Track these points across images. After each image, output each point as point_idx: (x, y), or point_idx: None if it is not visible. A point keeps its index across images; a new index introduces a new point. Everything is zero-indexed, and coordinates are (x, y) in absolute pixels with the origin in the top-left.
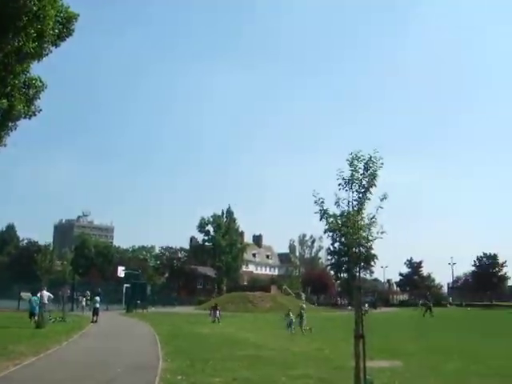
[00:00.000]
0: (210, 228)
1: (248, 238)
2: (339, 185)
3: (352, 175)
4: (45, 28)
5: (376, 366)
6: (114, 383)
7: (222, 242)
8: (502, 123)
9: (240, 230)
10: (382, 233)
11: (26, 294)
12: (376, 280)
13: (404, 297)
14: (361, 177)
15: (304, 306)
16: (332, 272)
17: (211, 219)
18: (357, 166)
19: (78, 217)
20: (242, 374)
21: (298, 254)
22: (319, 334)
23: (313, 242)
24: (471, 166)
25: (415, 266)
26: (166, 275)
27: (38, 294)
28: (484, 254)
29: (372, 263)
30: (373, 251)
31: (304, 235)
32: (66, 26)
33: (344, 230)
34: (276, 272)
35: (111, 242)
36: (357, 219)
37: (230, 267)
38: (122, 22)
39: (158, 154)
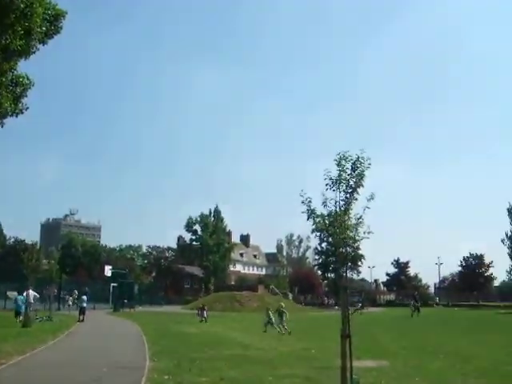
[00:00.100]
0: (197, 227)
1: (235, 238)
2: (326, 185)
3: (339, 175)
4: (32, 25)
5: (362, 366)
6: (100, 383)
7: (209, 241)
8: (489, 121)
9: (227, 229)
10: (368, 233)
11: (12, 293)
12: (363, 280)
13: (391, 297)
14: (348, 177)
15: (283, 304)
16: (319, 272)
17: (199, 219)
18: (344, 166)
19: (65, 216)
20: (228, 373)
21: (285, 253)
22: (306, 333)
23: (300, 241)
24: (458, 165)
25: (402, 266)
26: (154, 274)
27: (24, 293)
28: (470, 254)
29: (359, 263)
30: (360, 251)
31: (291, 235)
32: (53, 23)
33: (331, 229)
34: (263, 272)
35: (98, 241)
36: (344, 219)
37: (217, 267)
38: (109, 20)
39: (145, 154)
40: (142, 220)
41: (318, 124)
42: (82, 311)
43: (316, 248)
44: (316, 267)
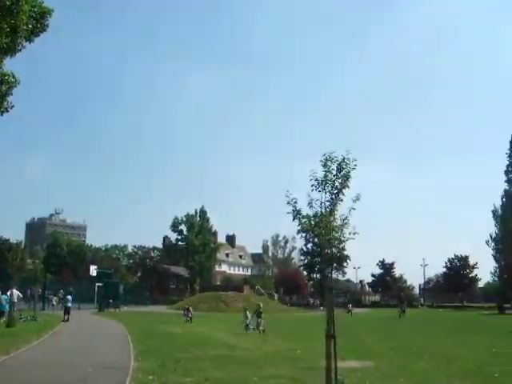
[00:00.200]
0: (183, 227)
1: (221, 238)
2: (312, 186)
3: (325, 176)
4: (18, 23)
5: (347, 366)
6: (84, 383)
7: (195, 241)
8: (476, 125)
9: (213, 229)
10: (354, 234)
11: None
12: (348, 281)
13: (376, 298)
14: (334, 178)
15: (261, 305)
16: (305, 272)
17: (184, 219)
18: (330, 167)
19: (51, 215)
20: (213, 373)
21: (271, 254)
22: (291, 334)
23: (286, 242)
24: (443, 167)
25: (387, 267)
26: (139, 274)
27: (8, 293)
28: (455, 255)
29: (344, 264)
30: (345, 252)
31: (277, 235)
32: (39, 21)
33: (317, 230)
34: (249, 272)
35: (84, 241)
36: (329, 220)
37: (203, 267)
38: (102, 19)
39: (132, 153)
40: (128, 220)
41: (306, 124)
42: (67, 311)
43: (302, 249)
44: (301, 268)
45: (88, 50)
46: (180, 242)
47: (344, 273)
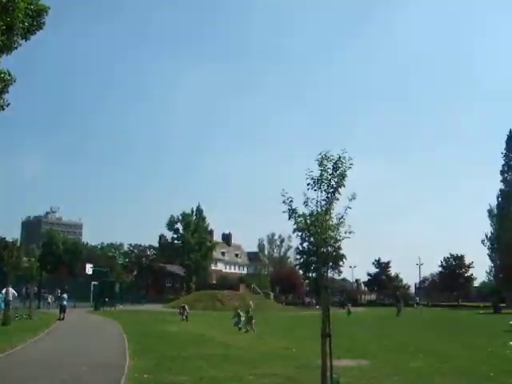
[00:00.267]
0: (179, 226)
1: (217, 237)
2: (308, 184)
3: (321, 175)
4: (14, 21)
5: (342, 365)
6: (79, 382)
7: (191, 240)
8: (470, 124)
9: (209, 228)
10: (350, 233)
11: None
12: (344, 280)
13: (372, 297)
14: (330, 177)
15: (252, 304)
16: (300, 271)
17: (180, 217)
18: (326, 165)
19: (46, 213)
20: (209, 372)
21: (266, 253)
22: (287, 333)
23: (282, 241)
24: (439, 167)
25: (383, 267)
26: (135, 273)
27: (3, 291)
28: (451, 255)
29: (340, 263)
30: (341, 251)
31: (273, 234)
32: (36, 19)
33: (312, 229)
34: (245, 271)
35: (79, 239)
36: (325, 219)
37: (198, 265)
38: (94, 17)
39: (128, 152)
40: (124, 218)
41: (303, 123)
42: (63, 309)
43: (297, 248)
44: (297, 267)
45: (80, 47)
46: (176, 241)
47: (340, 272)
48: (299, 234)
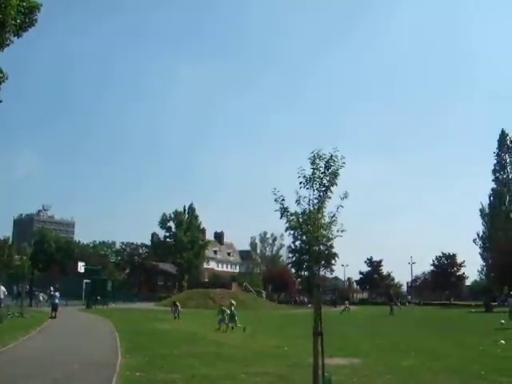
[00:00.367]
0: (171, 224)
1: (209, 235)
2: (300, 183)
3: (313, 173)
4: (6, 18)
5: (334, 363)
6: (71, 380)
7: (183, 238)
8: (462, 123)
9: (202, 226)
10: (342, 231)
11: None
12: (336, 278)
13: (364, 295)
14: (322, 175)
15: (234, 302)
16: (293, 270)
17: (173, 215)
18: (318, 164)
19: (39, 211)
20: (201, 370)
21: (259, 251)
22: (279, 331)
23: (274, 239)
24: (432, 165)
25: (375, 265)
26: (127, 271)
27: None
28: (443, 253)
29: (332, 262)
30: (333, 250)
31: (265, 233)
32: (28, 15)
33: (305, 228)
34: (237, 269)
35: (72, 237)
36: (317, 217)
37: (191, 264)
38: (92, 14)
39: (120, 150)
40: (116, 217)
41: (293, 121)
42: (55, 308)
43: (290, 246)
44: (290, 265)
45: (78, 46)
46: (168, 239)
47: (332, 270)
48: (291, 232)
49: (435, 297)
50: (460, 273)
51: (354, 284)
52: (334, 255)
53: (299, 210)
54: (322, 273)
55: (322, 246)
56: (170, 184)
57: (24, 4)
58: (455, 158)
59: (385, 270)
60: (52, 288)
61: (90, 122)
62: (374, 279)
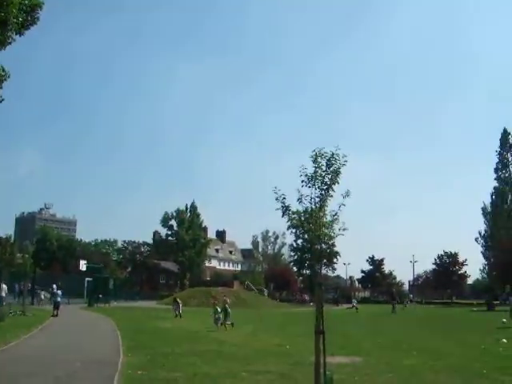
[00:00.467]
0: (173, 223)
1: (211, 234)
2: (302, 181)
3: (315, 172)
4: (8, 16)
5: (336, 362)
6: (73, 378)
7: (185, 236)
8: (464, 122)
9: (203, 225)
10: (344, 230)
11: None
12: (338, 277)
13: (366, 294)
14: (323, 173)
15: (228, 300)
16: (295, 268)
17: (175, 214)
18: (320, 162)
19: (40, 209)
20: (202, 368)
21: (260, 250)
22: (280, 329)
23: (276, 238)
24: (434, 164)
25: (377, 264)
26: (129, 269)
27: None
28: (445, 252)
29: (334, 260)
30: (335, 248)
31: (267, 231)
32: (30, 14)
33: (306, 226)
34: (239, 268)
35: (73, 236)
36: (319, 216)
37: (193, 262)
38: (92, 13)
39: (122, 148)
40: (118, 215)
41: (294, 121)
42: (57, 306)
43: (291, 245)
44: (291, 264)
45: (77, 44)
46: (170, 238)
47: (334, 269)
48: (293, 231)
49: (437, 295)
50: (462, 271)
51: (356, 282)
52: (336, 254)
53: (301, 209)
54: (323, 271)
55: (323, 245)
56: (172, 182)
57: (26, 2)
58: (455, 157)
59: (387, 268)
60: (54, 286)
61: (91, 121)
62: (376, 278)
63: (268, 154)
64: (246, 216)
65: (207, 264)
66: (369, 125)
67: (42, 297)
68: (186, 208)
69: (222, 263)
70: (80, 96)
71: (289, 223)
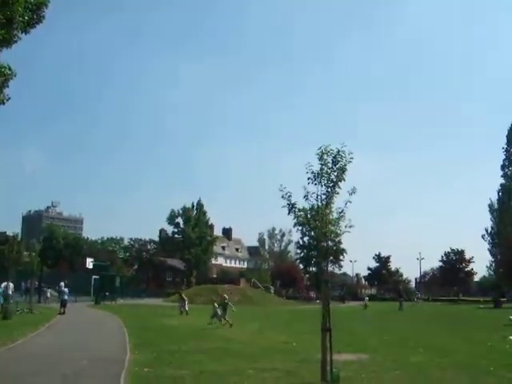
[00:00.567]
0: (179, 220)
1: (218, 231)
2: (308, 179)
3: (321, 169)
4: (14, 14)
5: (342, 359)
6: (80, 376)
7: (191, 234)
8: (470, 119)
9: (210, 222)
10: (350, 227)
11: None
12: (345, 274)
13: (372, 291)
14: (329, 171)
15: (227, 297)
16: (301, 266)
17: (181, 211)
18: (326, 160)
19: (47, 208)
20: (209, 366)
21: (267, 247)
22: (287, 327)
23: (282, 235)
24: (440, 160)
25: (383, 261)
26: (135, 267)
27: (2, 285)
28: (451, 249)
29: (341, 257)
30: (342, 245)
31: (273, 229)
32: (35, 12)
33: (313, 223)
34: (245, 265)
35: (80, 234)
36: (325, 213)
37: (199, 260)
38: (94, 12)
39: (128, 145)
40: (124, 213)
41: (303, 117)
42: (63, 304)
43: (298, 242)
44: (298, 261)
45: (80, 43)
46: (176, 235)
47: (340, 266)
48: (300, 228)
49: (444, 293)
50: (468, 269)
51: (363, 280)
52: (343, 251)
53: (307, 206)
54: (330, 269)
55: (330, 242)
56: (178, 180)
57: (32, 0)
58: (464, 153)
59: (393, 265)
60: (62, 284)
61: (96, 119)
62: (383, 275)
63: (274, 151)
64: (252, 213)
65: (213, 261)
66: (375, 122)
67: (48, 295)
68: (193, 206)
69: (228, 261)
70: (84, 94)
71: (295, 220)
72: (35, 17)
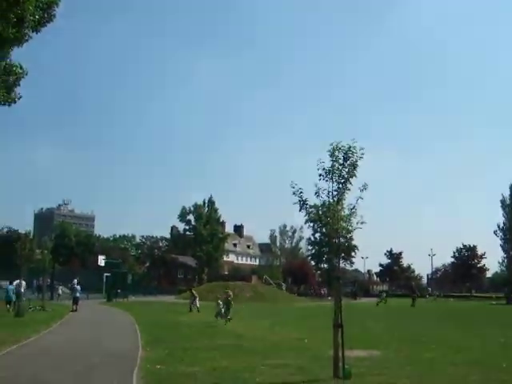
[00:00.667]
0: (191, 217)
1: (229, 228)
2: (320, 175)
3: (332, 165)
4: (25, 13)
5: (354, 356)
6: (92, 372)
7: (203, 231)
8: (480, 118)
9: (221, 219)
10: (361, 223)
11: (3, 283)
12: (356, 270)
13: (384, 287)
14: (341, 167)
15: (231, 293)
16: (312, 262)
17: (192, 208)
18: (337, 156)
19: (59, 205)
20: (221, 363)
21: (278, 244)
22: (299, 323)
23: (293, 232)
24: (451, 155)
25: (395, 257)
26: (147, 264)
27: (14, 283)
28: (463, 245)
29: (352, 254)
30: (353, 242)
31: (285, 225)
32: (46, 11)
33: (324, 220)
34: (257, 262)
35: (92, 231)
36: (337, 209)
37: (210, 257)
38: (109, 9)
39: (140, 143)
40: (136, 210)
41: (315, 115)
42: (76, 301)
43: (309, 238)
44: (309, 258)
45: (95, 40)
46: (188, 232)
47: (352, 262)
48: (311, 224)
49: (456, 289)
50: (481, 265)
51: (374, 276)
52: (354, 247)
53: (319, 203)
54: (341, 265)
55: (341, 238)
56: (190, 177)
57: None
58: (476, 150)
59: (405, 262)
60: (75, 281)
61: (109, 117)
62: (394, 271)
63: (286, 148)
64: (263, 210)
65: (225, 258)
66: (390, 119)
67: (60, 292)
68: (204, 203)
69: (239, 257)
70: (98, 91)
71: (307, 217)
72: (46, 16)
